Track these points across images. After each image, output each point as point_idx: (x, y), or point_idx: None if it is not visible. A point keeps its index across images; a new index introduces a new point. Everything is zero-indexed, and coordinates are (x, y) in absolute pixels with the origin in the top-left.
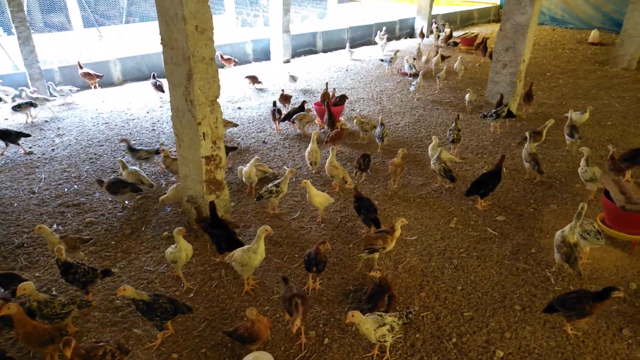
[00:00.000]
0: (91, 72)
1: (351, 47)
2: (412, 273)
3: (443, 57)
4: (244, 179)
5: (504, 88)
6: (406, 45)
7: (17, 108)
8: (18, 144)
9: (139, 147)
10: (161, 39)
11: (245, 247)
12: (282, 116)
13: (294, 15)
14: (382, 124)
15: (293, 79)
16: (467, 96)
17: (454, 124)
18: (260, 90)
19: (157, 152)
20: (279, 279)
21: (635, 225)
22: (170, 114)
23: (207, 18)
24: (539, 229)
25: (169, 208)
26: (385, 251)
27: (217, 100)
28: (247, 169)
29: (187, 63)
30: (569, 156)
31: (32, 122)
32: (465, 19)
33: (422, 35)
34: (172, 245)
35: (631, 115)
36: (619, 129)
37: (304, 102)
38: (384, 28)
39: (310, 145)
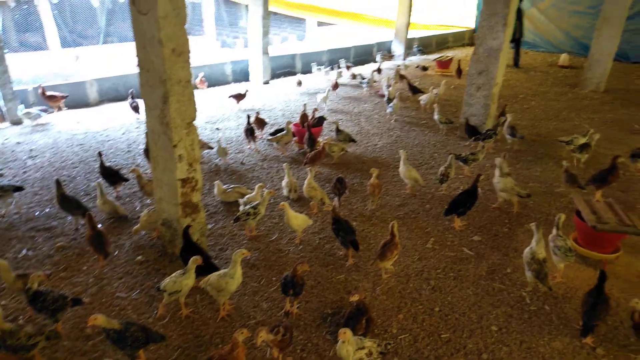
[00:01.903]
0: (56, 94)
1: (332, 69)
2: (390, 295)
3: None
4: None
5: (478, 110)
6: (384, 67)
7: None
8: None
9: None
10: (137, 62)
11: (221, 271)
12: (274, 131)
13: (274, 36)
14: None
15: (221, 151)
16: (435, 115)
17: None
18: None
19: (16, 189)
20: (257, 304)
21: (607, 245)
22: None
23: (184, 41)
24: (513, 248)
25: (144, 232)
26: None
27: (194, 122)
28: (289, 182)
29: (164, 86)
30: (542, 176)
31: None
32: (441, 42)
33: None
34: (176, 273)
35: (600, 136)
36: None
37: (322, 117)
38: (343, 60)
39: (285, 178)
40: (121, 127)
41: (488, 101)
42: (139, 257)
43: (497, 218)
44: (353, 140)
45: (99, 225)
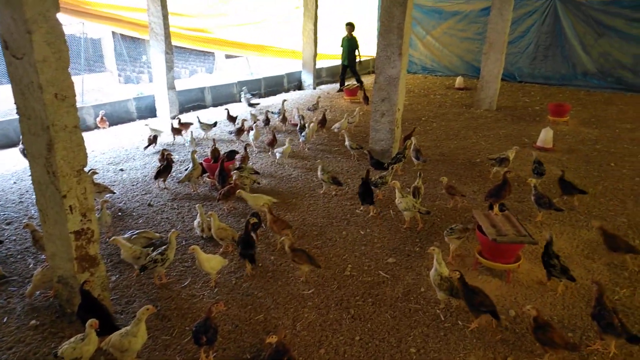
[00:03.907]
0: None
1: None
2: (311, 329)
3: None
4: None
5: (385, 135)
6: (295, 97)
7: None
8: None
9: None
10: (17, 109)
11: (123, 330)
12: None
13: (182, 70)
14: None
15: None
16: (346, 142)
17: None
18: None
19: None
20: (169, 358)
21: (508, 255)
22: None
23: (68, 85)
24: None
25: (39, 292)
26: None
27: (85, 169)
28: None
29: (47, 133)
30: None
31: None
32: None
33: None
34: (75, 338)
35: (495, 151)
36: (486, 165)
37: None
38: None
39: (198, 217)
40: (12, 175)
41: (392, 126)
42: (33, 322)
43: (408, 238)
44: (257, 173)
45: None
